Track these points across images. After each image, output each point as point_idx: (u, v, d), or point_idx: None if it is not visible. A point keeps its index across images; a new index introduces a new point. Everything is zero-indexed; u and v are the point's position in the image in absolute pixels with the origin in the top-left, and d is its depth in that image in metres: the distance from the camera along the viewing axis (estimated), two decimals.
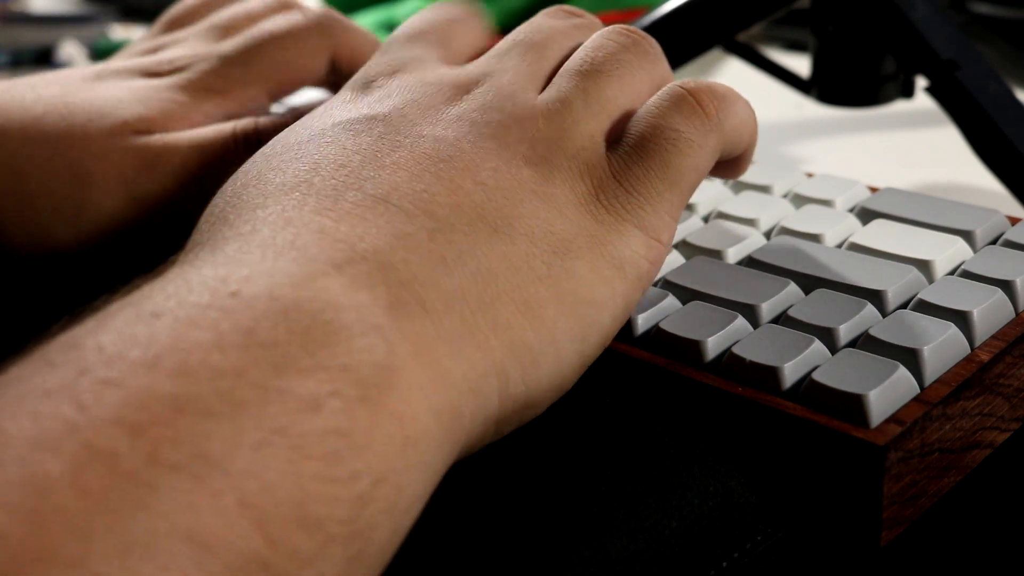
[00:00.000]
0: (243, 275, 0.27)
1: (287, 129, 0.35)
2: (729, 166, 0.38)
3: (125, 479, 0.22)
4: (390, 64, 0.37)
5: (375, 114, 0.34)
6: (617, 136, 0.35)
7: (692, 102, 0.35)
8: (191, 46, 0.47)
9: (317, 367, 0.25)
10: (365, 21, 0.86)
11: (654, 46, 0.38)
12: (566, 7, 0.40)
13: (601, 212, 0.33)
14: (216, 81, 0.44)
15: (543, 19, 0.39)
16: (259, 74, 0.44)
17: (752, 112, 0.37)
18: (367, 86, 0.36)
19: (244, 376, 0.24)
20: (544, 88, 0.36)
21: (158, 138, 0.42)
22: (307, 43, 0.45)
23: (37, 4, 1.05)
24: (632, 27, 0.38)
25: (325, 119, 0.35)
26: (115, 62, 0.46)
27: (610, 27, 0.38)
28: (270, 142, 0.35)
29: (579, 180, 0.33)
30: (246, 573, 0.22)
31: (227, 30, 0.47)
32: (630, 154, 0.34)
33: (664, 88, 0.36)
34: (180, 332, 0.25)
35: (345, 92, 0.37)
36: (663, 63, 0.38)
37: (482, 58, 0.37)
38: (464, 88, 0.35)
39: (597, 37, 0.37)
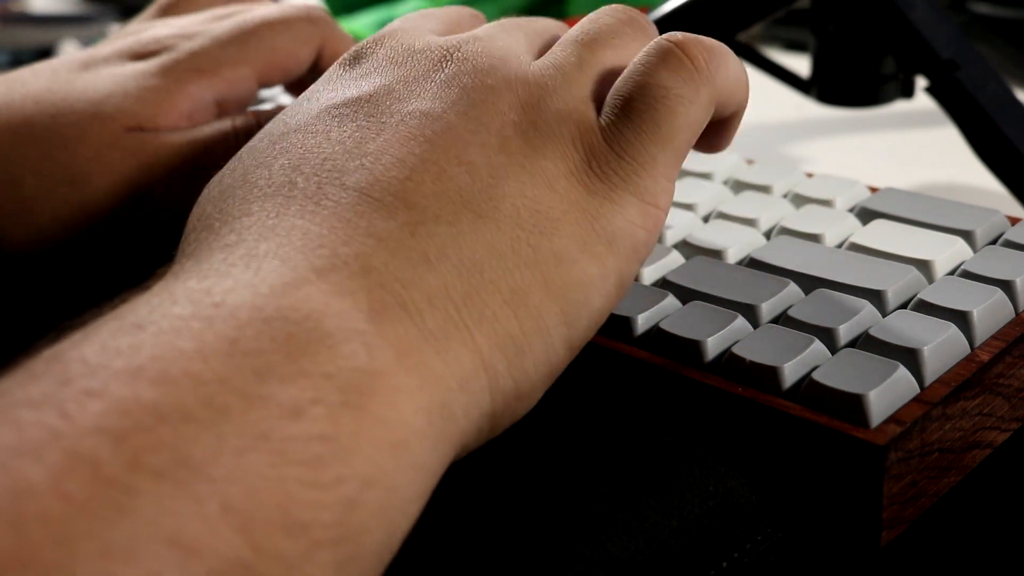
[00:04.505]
0: (226, 286, 0.27)
1: (274, 119, 0.35)
2: (716, 132, 0.37)
3: (107, 485, 0.22)
4: (380, 32, 0.37)
5: (360, 95, 0.33)
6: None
7: (680, 54, 0.33)
8: (181, 26, 0.46)
9: (299, 374, 0.25)
10: (365, 21, 0.86)
11: (652, 25, 0.37)
12: (561, 23, 0.39)
13: (594, 181, 0.32)
14: (204, 61, 0.43)
15: (541, 19, 0.39)
16: (249, 56, 0.44)
17: (744, 70, 0.36)
18: (355, 59, 0.36)
19: (227, 383, 0.24)
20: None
21: (153, 136, 0.42)
22: (298, 31, 0.45)
23: (37, 4, 1.05)
24: (630, 7, 0.37)
25: (312, 104, 0.34)
26: (103, 47, 0.46)
27: (609, 5, 0.37)
28: (257, 135, 0.34)
29: (570, 147, 0.32)
30: None
31: (219, 18, 0.47)
32: (619, 116, 0.33)
33: (651, 42, 0.34)
34: (163, 342, 0.25)
35: (334, 68, 0.36)
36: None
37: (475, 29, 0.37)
38: (452, 50, 0.34)
39: (595, 13, 0.36)
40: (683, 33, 0.34)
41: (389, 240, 0.29)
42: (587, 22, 0.36)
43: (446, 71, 0.33)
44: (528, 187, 0.31)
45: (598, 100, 0.34)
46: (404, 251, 0.29)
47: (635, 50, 0.35)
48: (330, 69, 0.36)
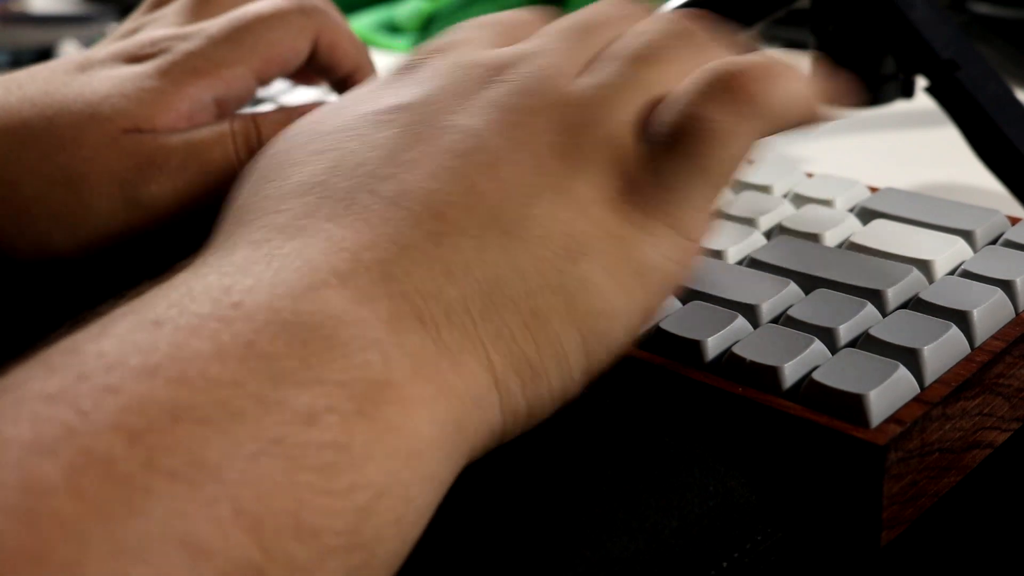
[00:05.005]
0: (246, 285, 0.27)
1: (315, 112, 0.34)
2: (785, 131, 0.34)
3: (121, 484, 0.22)
4: (434, 44, 0.36)
5: (401, 103, 0.33)
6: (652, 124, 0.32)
7: (732, 87, 0.32)
8: (175, 24, 0.46)
9: (314, 381, 0.25)
10: (365, 21, 0.86)
11: (706, 38, 0.35)
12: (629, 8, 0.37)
13: (629, 210, 0.31)
14: (201, 62, 0.43)
15: (601, 4, 0.37)
16: (245, 53, 0.44)
17: (805, 82, 0.33)
18: (406, 68, 0.36)
19: (242, 387, 0.24)
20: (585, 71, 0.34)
21: (151, 138, 0.42)
22: (292, 23, 0.45)
23: (37, 4, 1.05)
24: (684, 12, 0.35)
25: (354, 108, 0.34)
26: (99, 49, 0.46)
27: (660, 12, 0.36)
28: (296, 124, 0.34)
29: (608, 173, 0.31)
30: None
31: (206, 4, 0.47)
32: (662, 145, 0.32)
33: (703, 69, 0.32)
34: (180, 341, 0.25)
35: (386, 74, 0.36)
36: (714, 52, 0.34)
37: (526, 40, 0.35)
38: (499, 69, 0.33)
39: (645, 22, 0.35)
40: (741, 60, 0.32)
41: (412, 249, 0.29)
42: (636, 34, 0.34)
43: (489, 90, 0.33)
44: (561, 210, 0.30)
45: (642, 122, 0.32)
46: (427, 261, 0.29)
47: (687, 68, 0.33)
48: (383, 75, 0.36)
